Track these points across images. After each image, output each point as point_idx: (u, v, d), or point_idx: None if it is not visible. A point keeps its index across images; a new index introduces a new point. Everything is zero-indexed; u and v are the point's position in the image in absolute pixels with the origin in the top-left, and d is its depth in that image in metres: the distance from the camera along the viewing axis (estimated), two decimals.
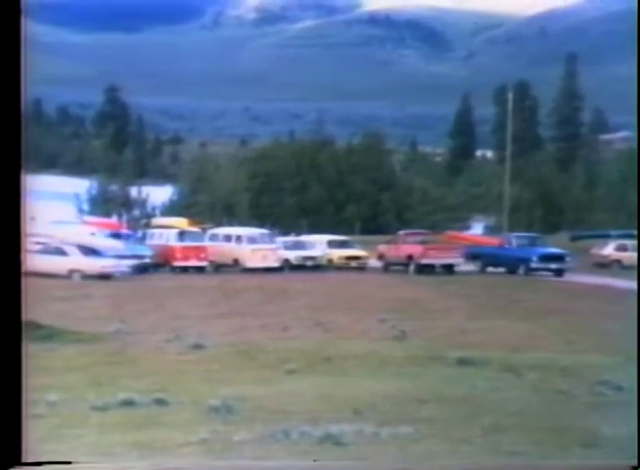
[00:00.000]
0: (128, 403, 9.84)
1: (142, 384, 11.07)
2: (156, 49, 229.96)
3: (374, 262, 35.84)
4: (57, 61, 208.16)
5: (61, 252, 28.93)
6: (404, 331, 16.53)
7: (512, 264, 33.20)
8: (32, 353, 14.17)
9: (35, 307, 21.45)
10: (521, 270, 32.77)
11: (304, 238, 37.48)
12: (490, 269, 34.07)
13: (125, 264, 30.73)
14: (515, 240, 34.73)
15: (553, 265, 32.89)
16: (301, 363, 12.60)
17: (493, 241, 35.59)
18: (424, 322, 18.38)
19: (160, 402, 9.90)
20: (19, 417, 5.85)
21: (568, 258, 33.44)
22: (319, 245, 35.87)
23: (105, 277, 28.58)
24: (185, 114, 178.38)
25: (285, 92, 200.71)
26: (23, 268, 5.93)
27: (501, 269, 33.77)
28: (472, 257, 34.86)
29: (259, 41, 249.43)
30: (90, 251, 29.81)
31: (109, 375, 12.02)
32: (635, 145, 43.80)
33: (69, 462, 6.37)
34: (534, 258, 32.71)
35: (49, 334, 15.70)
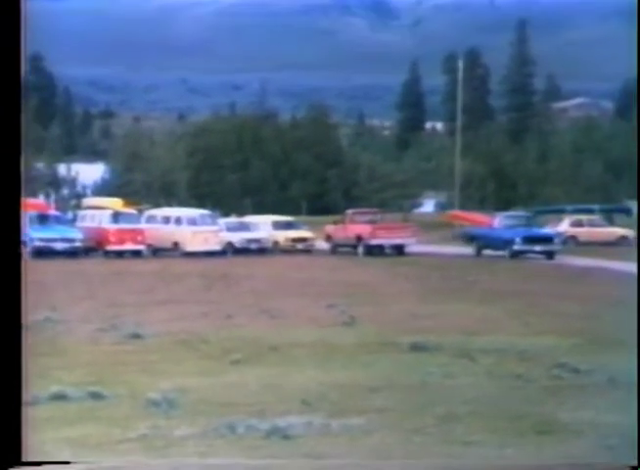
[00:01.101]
0: (60, 397, 9.73)
1: (75, 376, 10.95)
2: (84, 16, 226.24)
3: (321, 244, 35.94)
4: None
5: None
6: (354, 317, 16.65)
7: (499, 247, 31.87)
8: None
9: None
10: (506, 253, 31.52)
11: (248, 219, 37.37)
12: (488, 252, 32.38)
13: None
14: (504, 220, 33.41)
15: (538, 247, 31.66)
16: (246, 353, 12.59)
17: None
18: (374, 307, 18.54)
19: (96, 396, 9.81)
20: (19, 417, 6.01)
21: (556, 240, 32.38)
22: (264, 226, 35.78)
23: None
24: (116, 85, 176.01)
25: (224, 63, 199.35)
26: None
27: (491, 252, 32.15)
28: (468, 238, 33.95)
29: (196, 9, 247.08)
30: None
31: (38, 367, 11.88)
32: (636, 142, 43.71)
33: (69, 462, 6.64)
34: (517, 240, 31.43)
35: None
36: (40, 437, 7.78)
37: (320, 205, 57.31)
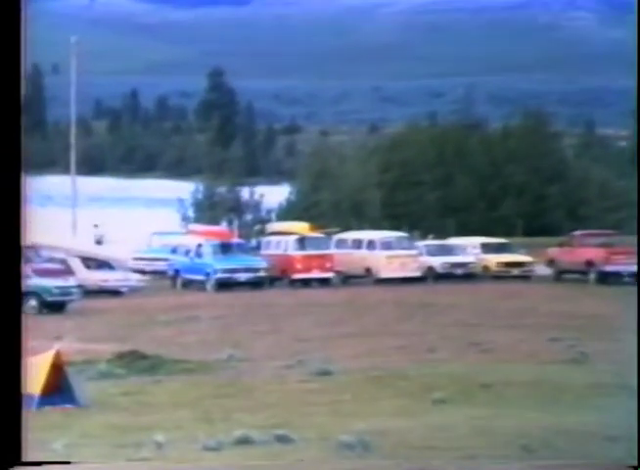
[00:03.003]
0: (245, 442, 10.01)
1: (260, 419, 11.27)
2: (265, 24, 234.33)
3: (542, 270, 35.17)
4: (156, 44, 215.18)
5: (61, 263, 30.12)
6: (585, 353, 16.09)
7: None
8: (137, 388, 14.73)
9: (139, 334, 22.13)
10: None
11: (452, 241, 37.17)
12: None
13: (136, 279, 31.48)
14: None
15: None
16: (452, 391, 12.53)
17: None
18: (611, 343, 17.82)
19: (283, 440, 10.03)
20: (19, 418, 6.76)
21: None
22: (470, 249, 35.45)
23: (112, 293, 29.73)
24: (302, 97, 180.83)
25: (422, 67, 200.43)
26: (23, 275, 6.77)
27: None
28: None
29: (387, 8, 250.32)
30: (100, 263, 30.92)
31: (221, 410, 12.24)
32: (635, 145, 40.88)
33: (69, 462, 7.36)
34: None
35: (154, 364, 16.35)
36: None
37: (537, 225, 56.07)
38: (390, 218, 51.86)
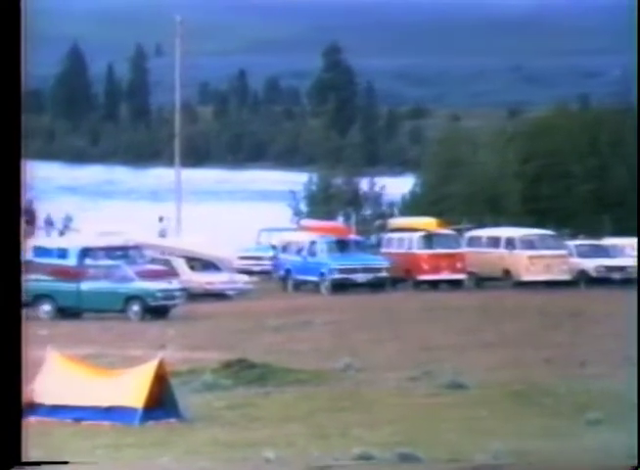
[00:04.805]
0: (365, 460, 10.11)
1: (382, 435, 11.36)
2: None
3: None
4: (264, 20, 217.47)
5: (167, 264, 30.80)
6: None
7: None
8: (245, 400, 14.91)
9: (246, 341, 22.42)
10: None
11: (607, 241, 36.59)
12: None
13: (243, 281, 31.87)
14: None
15: None
16: (609, 411, 12.36)
17: None
18: None
19: (408, 458, 10.05)
20: (19, 418, 7.59)
21: None
22: (630, 250, 34.83)
23: (218, 297, 30.24)
24: (429, 77, 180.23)
25: (573, 42, 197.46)
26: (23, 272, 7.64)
27: None
28: None
29: None
30: (205, 264, 31.47)
31: (337, 424, 12.32)
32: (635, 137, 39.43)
33: (68, 462, 8.28)
34: None
35: (263, 374, 16.61)
36: None
37: None
38: (533, 214, 51.10)
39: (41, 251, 31.01)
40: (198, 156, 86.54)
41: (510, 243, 33.38)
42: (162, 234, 37.90)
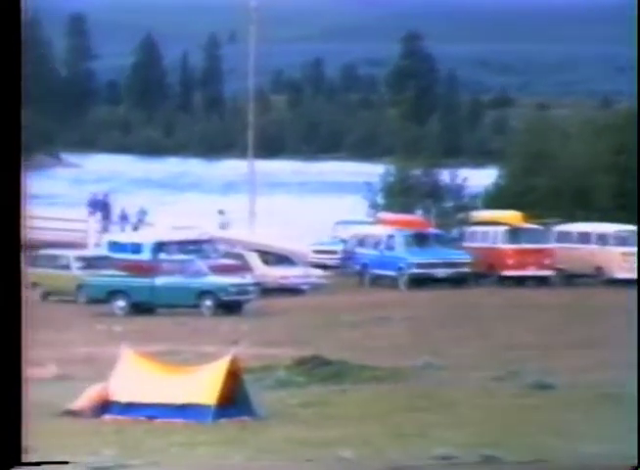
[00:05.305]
0: (446, 461, 10.12)
1: (464, 436, 11.32)
2: None
3: None
4: (340, 6, 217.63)
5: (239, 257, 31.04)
6: None
7: None
8: (320, 398, 14.96)
9: (321, 337, 22.51)
10: None
11: None
12: None
13: (318, 275, 31.92)
14: None
15: None
16: None
17: None
18: None
19: (492, 461, 10.03)
20: (19, 418, 7.77)
21: None
22: None
23: (292, 292, 30.41)
24: (515, 64, 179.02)
25: None
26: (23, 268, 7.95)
27: None
28: None
29: None
30: (279, 258, 31.65)
31: (416, 424, 12.29)
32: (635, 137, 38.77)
33: (67, 462, 8.59)
34: None
35: (339, 372, 16.65)
36: None
37: None
38: (626, 209, 50.38)
39: (116, 246, 31.44)
40: (271, 147, 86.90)
41: (602, 239, 33.06)
42: (223, 227, 38.16)
